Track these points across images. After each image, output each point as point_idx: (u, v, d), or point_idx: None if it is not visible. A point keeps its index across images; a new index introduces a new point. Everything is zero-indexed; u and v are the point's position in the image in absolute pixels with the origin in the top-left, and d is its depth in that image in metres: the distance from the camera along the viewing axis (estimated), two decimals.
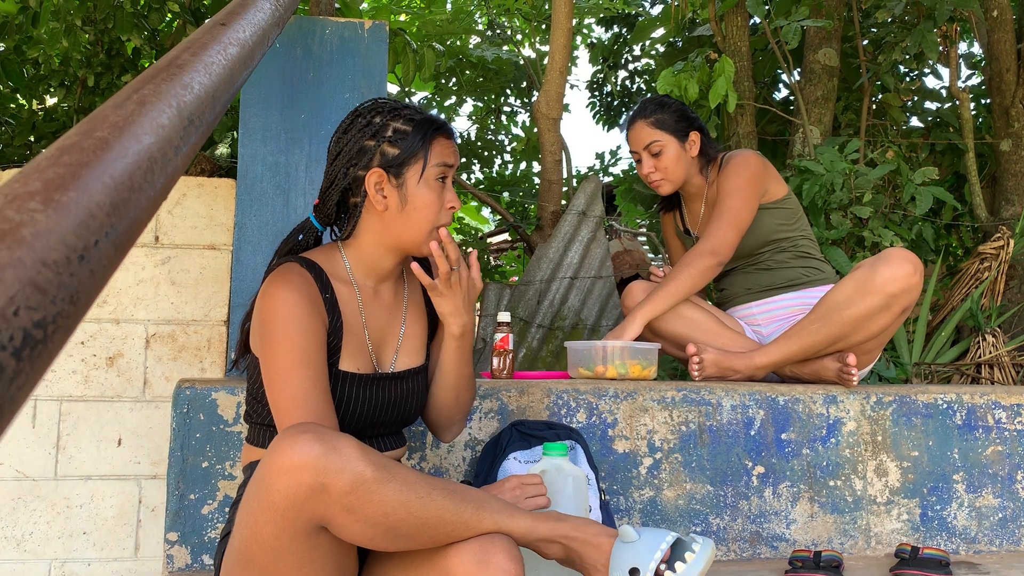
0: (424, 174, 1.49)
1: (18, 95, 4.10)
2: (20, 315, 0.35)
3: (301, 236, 1.60)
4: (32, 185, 0.43)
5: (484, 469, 1.89)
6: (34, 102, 4.08)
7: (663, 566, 1.31)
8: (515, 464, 1.85)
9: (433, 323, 1.67)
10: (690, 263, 2.35)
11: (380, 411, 1.52)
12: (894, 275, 2.08)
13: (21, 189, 0.42)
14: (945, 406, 2.23)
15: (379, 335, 1.56)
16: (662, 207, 2.76)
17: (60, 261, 0.39)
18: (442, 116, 1.62)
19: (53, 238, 0.40)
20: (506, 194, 5.71)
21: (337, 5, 3.33)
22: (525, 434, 1.92)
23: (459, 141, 1.63)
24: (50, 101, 4.17)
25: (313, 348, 1.41)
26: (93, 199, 0.45)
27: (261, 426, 1.52)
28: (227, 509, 1.87)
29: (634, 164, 2.60)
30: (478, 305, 4.38)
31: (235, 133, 3.35)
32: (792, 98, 4.21)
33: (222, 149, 3.30)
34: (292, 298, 1.41)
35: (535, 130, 4.67)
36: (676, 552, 1.34)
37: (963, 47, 4.81)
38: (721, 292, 2.66)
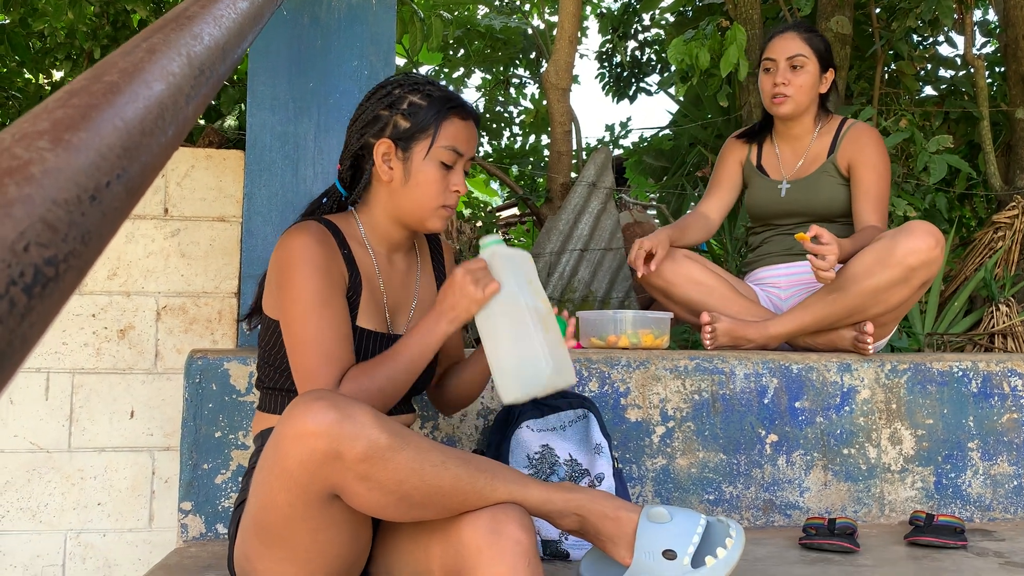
0: (431, 152, 1.47)
1: (24, 69, 4.09)
2: (30, 251, 0.34)
3: (325, 199, 1.61)
4: (40, 124, 0.41)
5: (497, 438, 1.89)
6: (40, 76, 4.06)
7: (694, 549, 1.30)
8: (528, 433, 1.85)
9: None
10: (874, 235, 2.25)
11: None
12: (915, 247, 2.05)
13: (29, 128, 0.41)
14: (960, 374, 2.21)
15: (393, 300, 1.57)
16: (742, 135, 2.64)
17: (71, 200, 0.38)
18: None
19: (63, 176, 0.39)
20: (515, 167, 5.68)
21: None
22: (537, 403, 1.91)
23: (478, 124, 1.59)
24: (57, 75, 4.15)
25: (330, 290, 1.41)
26: (104, 140, 0.43)
27: (273, 391, 1.52)
28: (240, 479, 1.87)
29: (761, 76, 2.48)
30: None
31: (243, 105, 3.33)
32: None
33: (230, 121, 3.28)
34: (309, 243, 1.42)
35: (544, 102, 4.64)
36: (707, 535, 1.33)
37: (978, 14, 4.74)
38: (754, 250, 2.60)
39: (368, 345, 1.48)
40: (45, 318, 0.34)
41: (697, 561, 1.29)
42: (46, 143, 0.40)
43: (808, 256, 2.07)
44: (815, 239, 2.04)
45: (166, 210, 2.46)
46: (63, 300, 0.36)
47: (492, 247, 1.43)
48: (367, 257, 1.53)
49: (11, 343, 0.31)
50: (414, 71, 1.76)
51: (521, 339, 1.35)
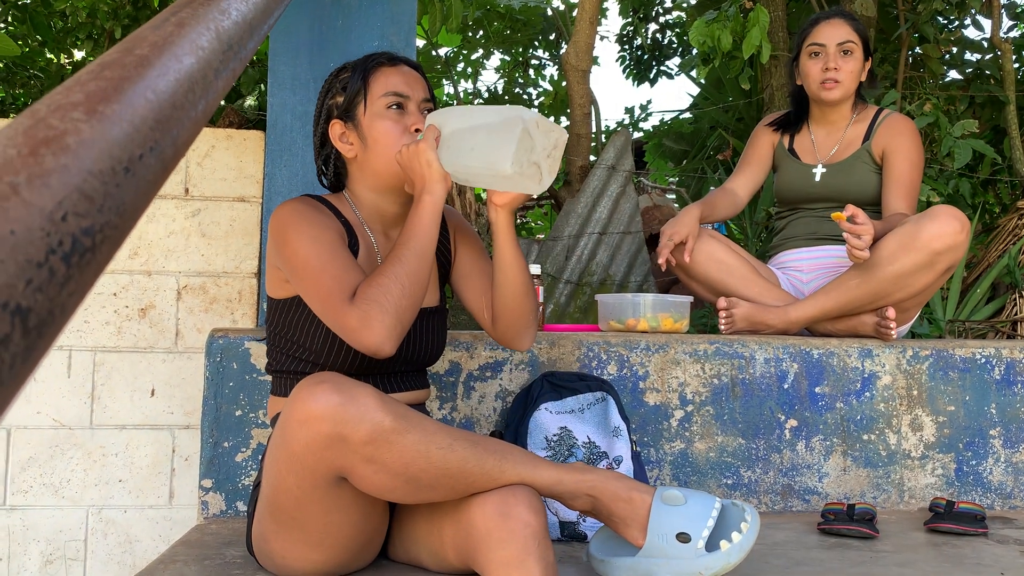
0: (369, 107, 1.50)
1: (46, 49, 4.10)
2: (68, 221, 0.34)
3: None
4: (74, 96, 0.41)
5: (515, 420, 1.89)
6: (62, 56, 4.07)
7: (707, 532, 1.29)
8: (546, 415, 1.85)
9: (444, 267, 1.67)
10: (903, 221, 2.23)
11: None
12: (940, 231, 2.03)
13: (63, 100, 0.41)
14: (983, 360, 2.19)
15: None
16: (775, 124, 2.63)
17: (106, 171, 0.38)
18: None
19: (98, 148, 0.38)
20: None
21: None
22: (556, 385, 1.91)
23: (415, 68, 1.60)
24: (78, 55, 4.17)
25: (327, 233, 1.42)
26: (136, 113, 0.43)
27: (283, 374, 1.53)
28: (260, 457, 1.89)
29: (805, 61, 2.46)
30: None
31: (263, 86, 3.33)
32: None
33: (250, 101, 3.28)
34: (298, 207, 1.45)
35: (564, 84, 4.61)
36: (722, 519, 1.32)
37: None
38: (780, 233, 2.59)
39: None
40: (82, 288, 0.34)
41: (711, 545, 1.29)
42: (81, 114, 0.40)
43: (844, 235, 2.06)
44: (851, 219, 2.03)
45: (187, 190, 2.47)
46: (99, 271, 0.36)
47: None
48: (364, 233, 1.55)
49: (51, 311, 0.31)
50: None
51: (478, 125, 1.38)
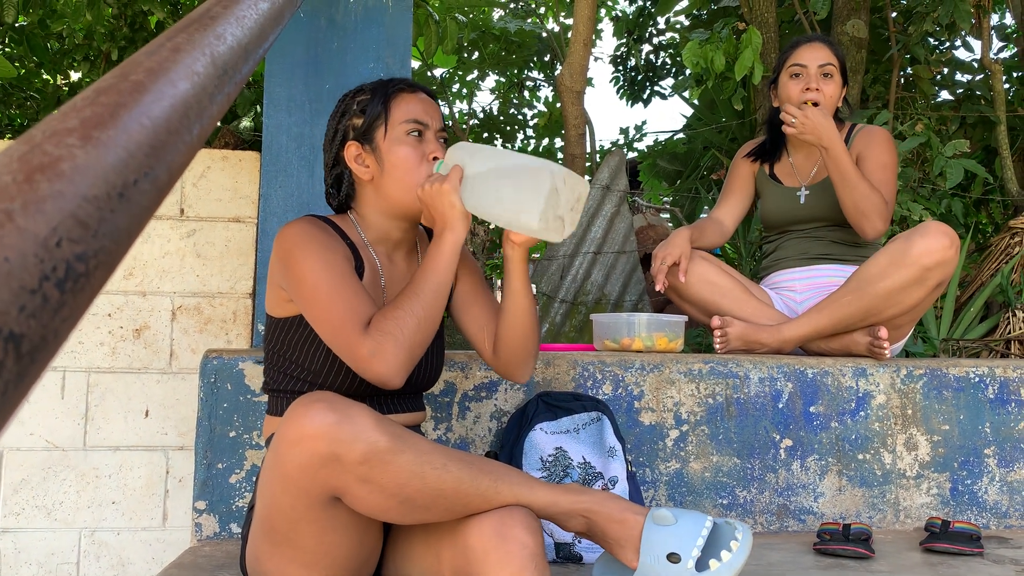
0: (390, 133, 1.50)
1: (43, 70, 4.12)
2: (62, 247, 0.34)
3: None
4: (70, 122, 0.42)
5: (510, 440, 1.89)
6: (58, 77, 4.09)
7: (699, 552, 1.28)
8: (541, 435, 1.85)
9: None
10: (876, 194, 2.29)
11: None
12: (930, 248, 2.05)
13: (59, 125, 0.41)
14: (977, 380, 2.20)
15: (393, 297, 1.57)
16: (753, 154, 2.64)
17: (100, 197, 0.38)
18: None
19: (92, 174, 0.39)
20: None
21: None
22: (551, 405, 1.91)
23: (432, 96, 1.63)
24: (74, 76, 4.18)
25: (336, 257, 1.42)
26: (132, 139, 0.44)
27: (279, 393, 1.53)
28: (255, 479, 1.88)
29: (786, 82, 2.47)
30: (499, 282, 4.36)
31: (258, 107, 3.34)
32: None
33: (245, 123, 3.29)
34: (306, 227, 1.45)
35: (558, 104, 4.64)
36: (714, 538, 1.32)
37: (996, 18, 4.71)
38: (770, 255, 2.60)
39: None
40: (76, 313, 0.35)
41: (702, 564, 1.28)
42: (76, 140, 0.40)
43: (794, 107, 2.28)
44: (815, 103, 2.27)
45: (182, 211, 2.47)
46: (92, 296, 0.36)
47: (441, 163, 1.49)
48: (368, 255, 1.55)
49: (44, 338, 0.31)
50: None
51: (504, 173, 1.39)
